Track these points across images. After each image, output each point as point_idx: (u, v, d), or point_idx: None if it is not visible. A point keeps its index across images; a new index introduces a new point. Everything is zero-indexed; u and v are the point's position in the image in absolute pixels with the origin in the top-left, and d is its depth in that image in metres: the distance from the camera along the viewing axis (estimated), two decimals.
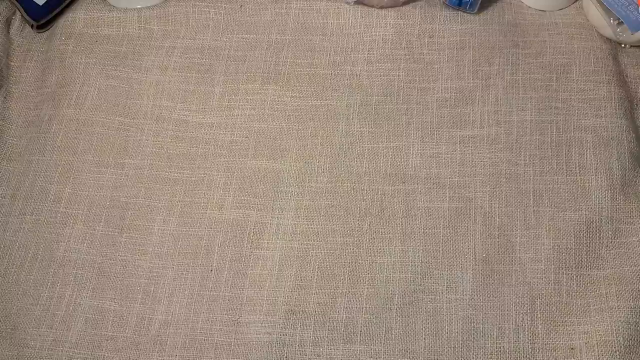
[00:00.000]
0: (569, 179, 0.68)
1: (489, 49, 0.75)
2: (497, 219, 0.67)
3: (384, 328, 0.63)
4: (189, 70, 0.77)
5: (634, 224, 0.65)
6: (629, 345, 0.60)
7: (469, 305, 0.63)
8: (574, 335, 0.61)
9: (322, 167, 0.71)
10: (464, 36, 0.76)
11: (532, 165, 0.69)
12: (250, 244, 0.67)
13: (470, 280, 0.64)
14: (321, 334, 0.63)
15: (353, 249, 0.66)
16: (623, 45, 0.76)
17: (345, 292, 0.65)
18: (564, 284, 0.63)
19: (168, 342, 0.64)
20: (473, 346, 0.62)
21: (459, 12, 0.78)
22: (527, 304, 0.63)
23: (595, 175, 0.68)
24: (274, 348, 0.63)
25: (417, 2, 0.79)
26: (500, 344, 0.62)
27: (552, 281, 0.64)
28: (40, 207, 0.70)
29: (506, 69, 0.74)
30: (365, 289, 0.65)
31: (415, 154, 0.71)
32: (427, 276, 0.65)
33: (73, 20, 0.81)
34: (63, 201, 0.70)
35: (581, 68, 0.74)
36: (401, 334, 0.63)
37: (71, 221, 0.69)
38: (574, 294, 0.63)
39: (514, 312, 0.63)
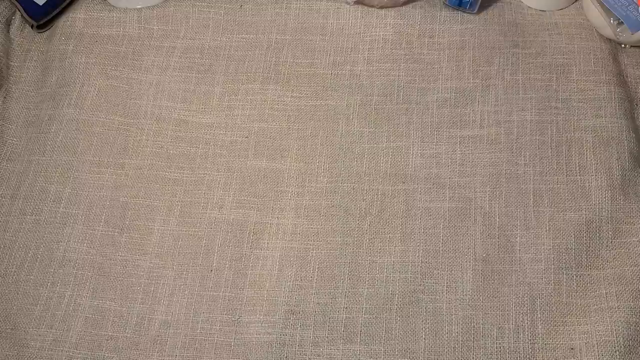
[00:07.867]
0: (569, 179, 0.68)
1: (489, 49, 0.75)
2: (497, 219, 0.67)
3: (384, 328, 0.63)
4: (189, 70, 0.77)
5: (634, 224, 0.65)
6: (629, 345, 0.60)
7: (469, 305, 0.63)
8: (574, 335, 0.61)
9: (322, 167, 0.71)
10: (464, 36, 0.76)
11: (532, 165, 0.69)
12: (250, 244, 0.67)
13: (471, 278, 0.64)
14: (321, 334, 0.63)
15: (353, 249, 0.66)
16: (623, 45, 0.76)
17: (345, 292, 0.65)
18: (564, 284, 0.63)
19: (168, 342, 0.64)
20: (473, 346, 0.62)
21: (459, 12, 0.78)
22: (527, 304, 0.63)
23: (595, 175, 0.68)
24: (274, 348, 0.63)
25: (417, 2, 0.79)
26: (500, 344, 0.62)
27: (552, 281, 0.64)
28: (40, 207, 0.70)
29: (506, 69, 0.74)
30: (365, 289, 0.65)
31: (415, 154, 0.71)
32: (427, 276, 0.65)
33: (73, 20, 0.81)
34: (63, 201, 0.70)
35: (581, 68, 0.74)
36: (401, 334, 0.63)
37: (71, 221, 0.69)
38: (574, 294, 0.63)
39: (514, 312, 0.63)
